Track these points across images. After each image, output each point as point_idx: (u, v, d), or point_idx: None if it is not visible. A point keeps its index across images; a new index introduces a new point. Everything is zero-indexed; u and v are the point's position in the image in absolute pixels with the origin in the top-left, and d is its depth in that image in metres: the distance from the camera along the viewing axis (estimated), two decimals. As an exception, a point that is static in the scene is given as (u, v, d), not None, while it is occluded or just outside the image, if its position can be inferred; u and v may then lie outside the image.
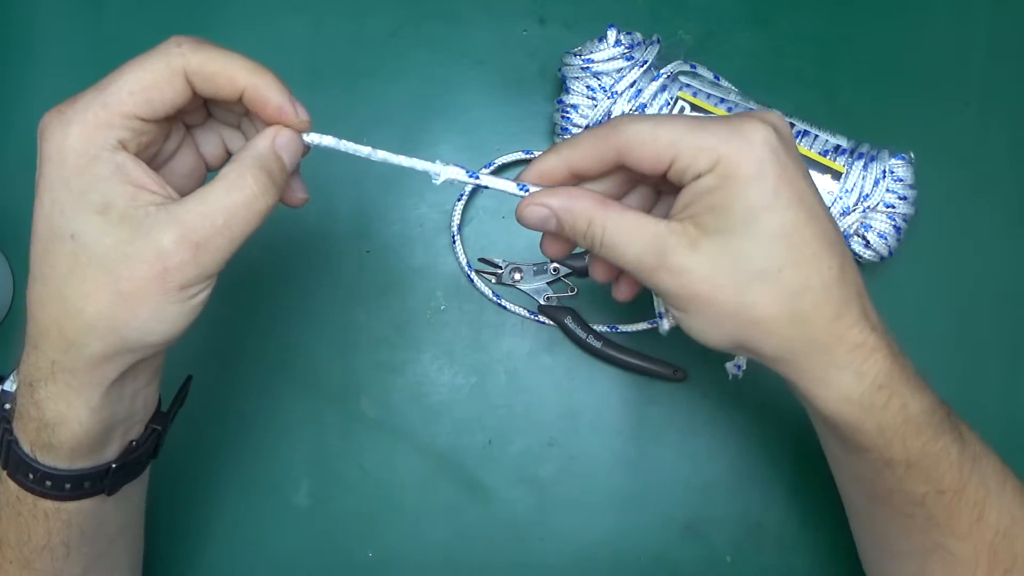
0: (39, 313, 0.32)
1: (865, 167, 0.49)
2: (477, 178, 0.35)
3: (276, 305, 0.55)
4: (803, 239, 0.31)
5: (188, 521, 0.53)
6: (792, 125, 0.51)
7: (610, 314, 0.55)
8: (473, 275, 0.55)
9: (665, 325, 0.38)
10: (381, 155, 0.35)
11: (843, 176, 0.49)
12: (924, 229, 0.53)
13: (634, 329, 0.54)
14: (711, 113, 0.50)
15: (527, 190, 0.35)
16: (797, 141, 0.50)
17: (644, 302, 0.56)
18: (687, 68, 0.52)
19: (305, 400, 0.54)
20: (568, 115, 0.51)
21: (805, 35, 0.57)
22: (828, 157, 0.50)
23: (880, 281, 0.55)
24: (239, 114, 0.36)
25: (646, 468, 0.54)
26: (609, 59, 0.50)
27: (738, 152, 0.31)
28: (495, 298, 0.55)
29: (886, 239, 0.50)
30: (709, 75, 0.52)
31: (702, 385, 0.54)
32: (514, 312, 0.55)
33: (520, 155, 0.54)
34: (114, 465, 0.36)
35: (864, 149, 0.50)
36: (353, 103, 0.56)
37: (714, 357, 0.55)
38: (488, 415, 0.54)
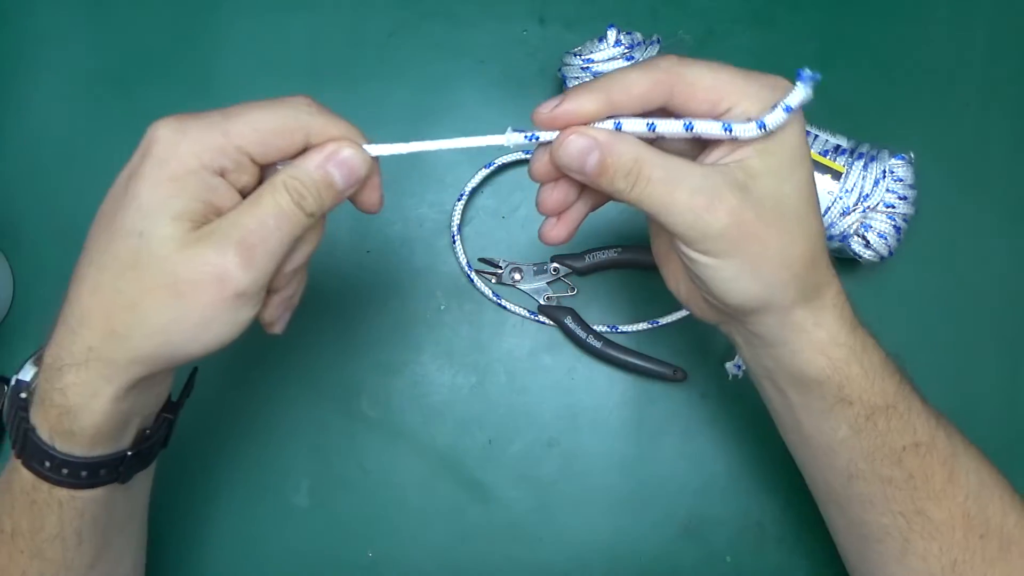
0: (88, 298, 0.32)
1: (865, 167, 0.49)
2: (537, 139, 0.36)
3: (276, 305, 0.55)
4: (814, 188, 0.34)
5: (188, 521, 0.53)
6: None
7: (610, 314, 0.55)
8: (473, 275, 0.55)
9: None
10: (448, 144, 0.36)
11: (843, 176, 0.49)
12: (924, 229, 0.53)
13: (634, 329, 0.54)
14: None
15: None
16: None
17: (644, 302, 0.56)
18: (687, 68, 0.52)
19: (305, 400, 0.54)
20: (568, 115, 0.51)
21: (805, 35, 0.57)
22: (828, 157, 0.50)
23: (880, 281, 0.55)
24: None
25: (646, 468, 0.54)
26: (609, 59, 0.50)
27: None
28: (495, 298, 0.55)
29: (886, 239, 0.50)
30: (709, 75, 0.52)
31: (702, 385, 0.54)
32: (514, 312, 0.55)
33: (520, 155, 0.54)
34: (129, 453, 0.36)
35: (864, 149, 0.50)
36: (353, 103, 0.56)
37: (714, 357, 0.55)
38: (488, 415, 0.54)
